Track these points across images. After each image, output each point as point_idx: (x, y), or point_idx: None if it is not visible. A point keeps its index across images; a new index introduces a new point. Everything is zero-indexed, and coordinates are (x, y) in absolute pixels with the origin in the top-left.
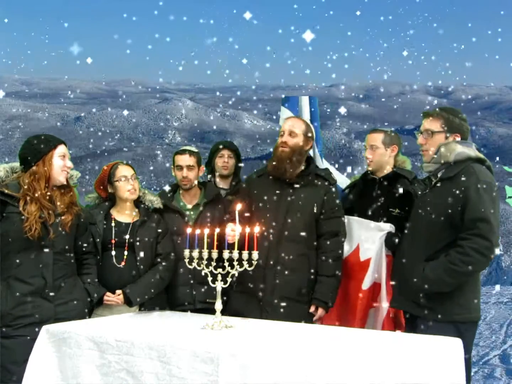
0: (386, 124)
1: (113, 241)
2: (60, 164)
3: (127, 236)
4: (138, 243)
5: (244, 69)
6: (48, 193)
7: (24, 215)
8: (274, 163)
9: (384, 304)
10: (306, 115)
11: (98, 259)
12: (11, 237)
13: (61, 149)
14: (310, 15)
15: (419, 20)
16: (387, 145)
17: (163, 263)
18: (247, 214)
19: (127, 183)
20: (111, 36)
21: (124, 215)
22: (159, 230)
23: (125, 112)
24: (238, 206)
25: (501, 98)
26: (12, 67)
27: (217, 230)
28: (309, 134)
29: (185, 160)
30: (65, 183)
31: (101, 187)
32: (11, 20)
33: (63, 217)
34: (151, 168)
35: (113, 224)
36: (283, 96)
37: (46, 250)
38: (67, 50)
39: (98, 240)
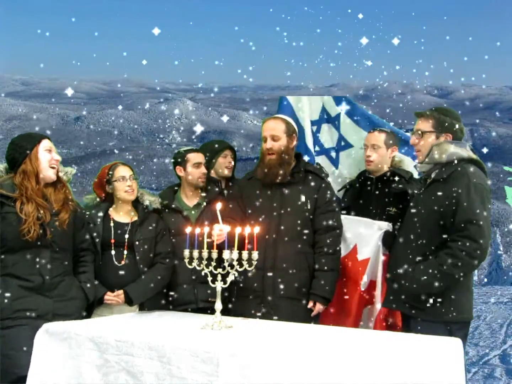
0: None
1: (112, 241)
2: (47, 158)
3: (126, 236)
4: (137, 243)
5: (244, 69)
6: (41, 190)
7: (21, 216)
8: (265, 170)
9: (378, 304)
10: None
11: (95, 257)
12: (8, 237)
13: (45, 143)
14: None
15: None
16: (388, 145)
17: (163, 263)
18: (241, 217)
19: (125, 183)
20: (112, 36)
21: (123, 215)
22: (158, 230)
23: (125, 112)
24: (219, 206)
25: (501, 98)
26: (12, 67)
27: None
28: (291, 131)
29: (201, 157)
30: (55, 178)
31: (100, 188)
32: (11, 18)
33: (60, 215)
34: (151, 168)
35: (112, 224)
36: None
37: (44, 249)
38: (68, 49)
39: (98, 240)
